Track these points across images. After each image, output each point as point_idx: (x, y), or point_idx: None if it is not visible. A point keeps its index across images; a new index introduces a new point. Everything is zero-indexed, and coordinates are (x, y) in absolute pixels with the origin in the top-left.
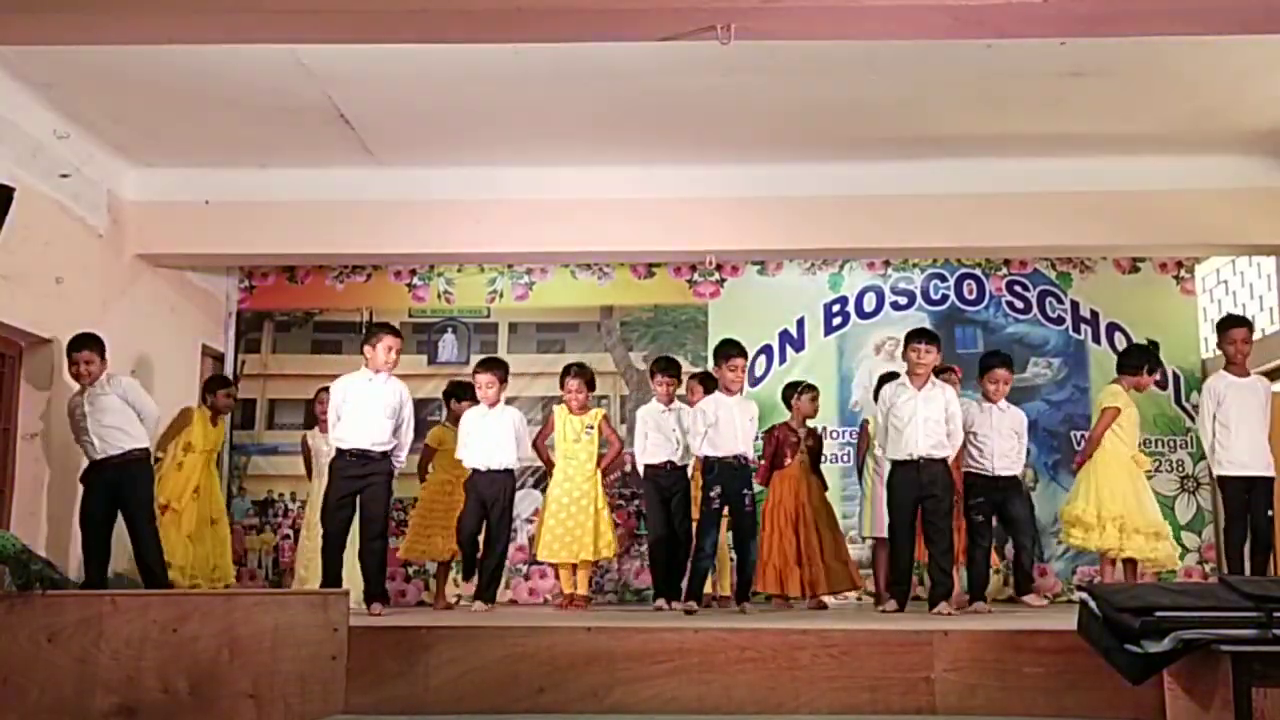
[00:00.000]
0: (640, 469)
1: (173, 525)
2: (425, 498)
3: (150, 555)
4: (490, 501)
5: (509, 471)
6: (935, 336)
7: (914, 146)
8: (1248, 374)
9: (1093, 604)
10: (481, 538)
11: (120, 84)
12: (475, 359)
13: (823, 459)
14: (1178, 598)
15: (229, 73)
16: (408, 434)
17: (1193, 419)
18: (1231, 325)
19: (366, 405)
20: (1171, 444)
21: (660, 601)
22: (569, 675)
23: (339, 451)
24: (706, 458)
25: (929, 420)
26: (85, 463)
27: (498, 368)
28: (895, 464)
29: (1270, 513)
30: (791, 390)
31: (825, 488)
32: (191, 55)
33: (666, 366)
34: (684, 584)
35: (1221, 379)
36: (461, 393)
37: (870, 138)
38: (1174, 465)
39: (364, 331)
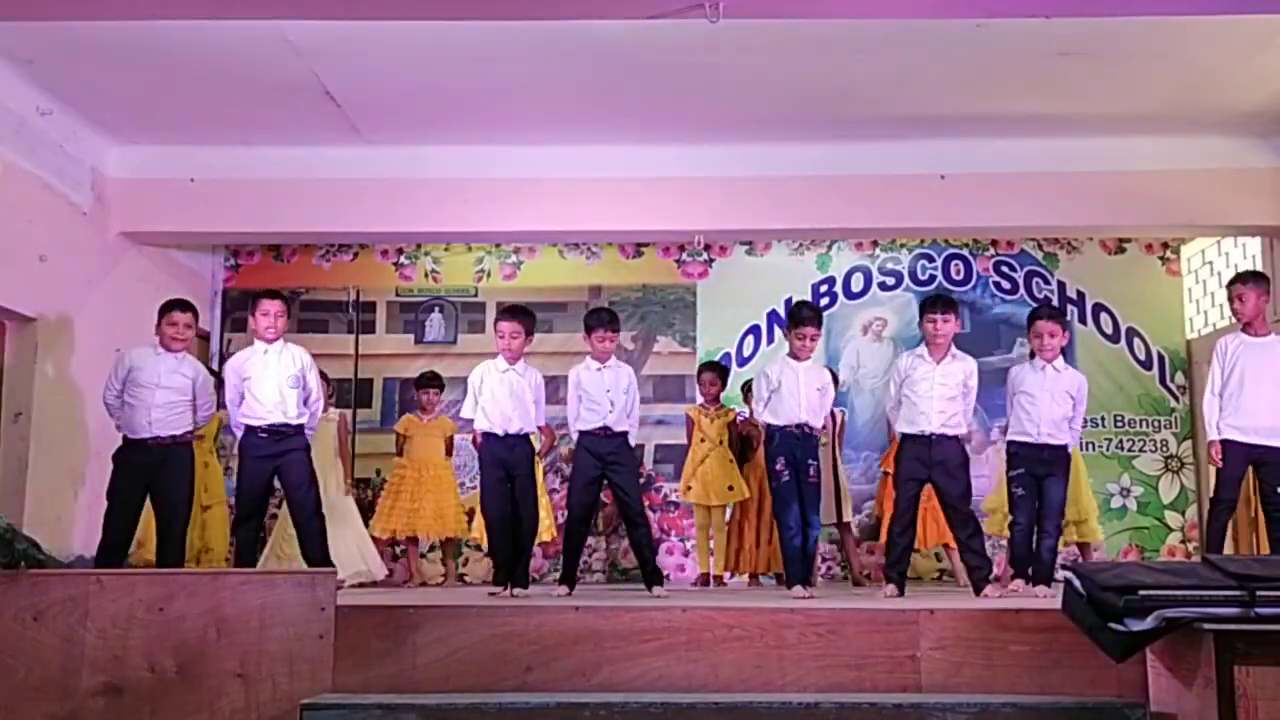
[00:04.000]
0: (573, 436)
1: (224, 521)
2: (393, 480)
3: (175, 549)
4: (514, 471)
5: (527, 438)
6: (953, 303)
7: (902, 126)
8: (1266, 333)
9: (1077, 583)
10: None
11: (104, 60)
12: (462, 339)
13: None
14: (1161, 576)
15: (214, 49)
16: (318, 403)
17: (1177, 399)
18: (1248, 280)
19: (268, 377)
20: (1156, 424)
21: (655, 588)
22: (556, 654)
23: (248, 429)
24: (768, 426)
25: (947, 396)
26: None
27: (524, 316)
28: (905, 438)
29: None
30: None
31: None
32: (176, 31)
33: (609, 320)
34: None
35: (1235, 338)
36: (429, 382)
37: (858, 117)
38: (1158, 445)
39: (350, 310)
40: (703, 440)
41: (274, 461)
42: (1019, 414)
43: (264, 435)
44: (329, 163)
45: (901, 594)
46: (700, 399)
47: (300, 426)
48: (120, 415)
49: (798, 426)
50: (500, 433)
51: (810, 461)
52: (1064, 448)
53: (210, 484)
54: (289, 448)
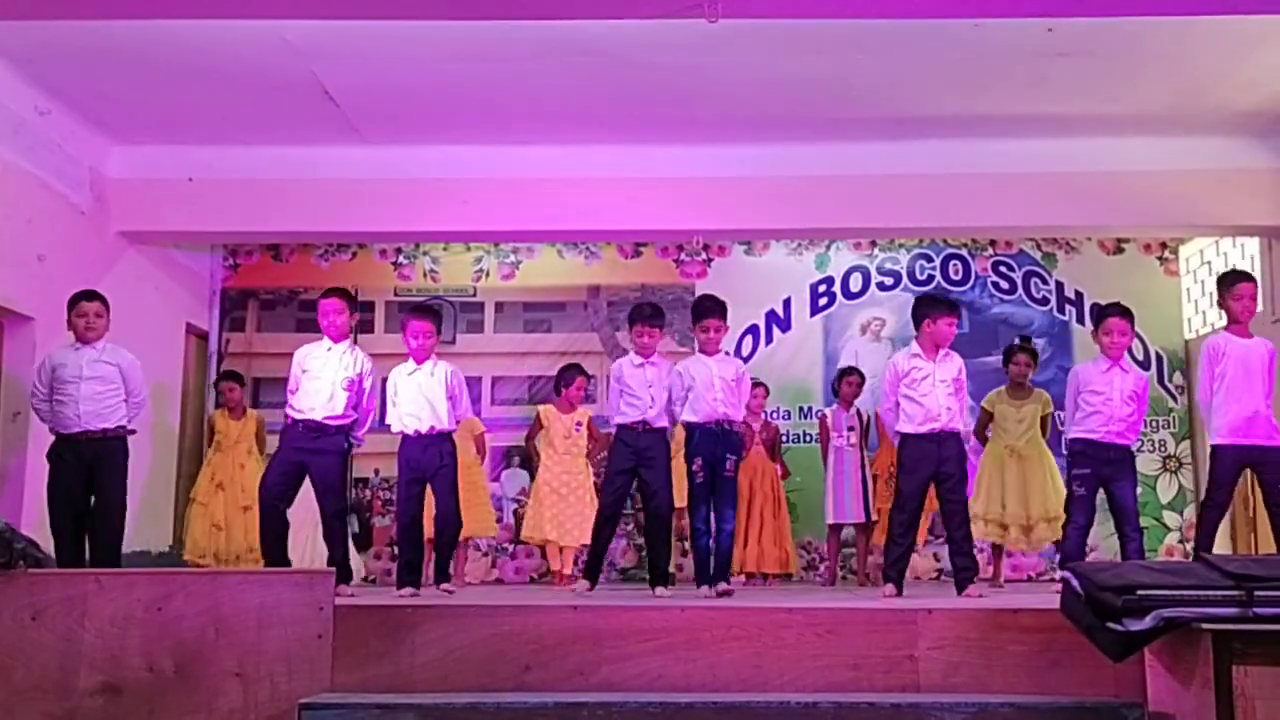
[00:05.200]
0: (613, 430)
1: (200, 517)
2: None
3: (110, 542)
4: (431, 471)
5: (446, 435)
6: (956, 306)
7: (900, 127)
8: (1251, 335)
9: (1075, 583)
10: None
11: (102, 60)
12: (461, 338)
13: (782, 447)
14: (1159, 576)
15: (213, 49)
16: (369, 409)
17: (1175, 399)
18: (1237, 280)
19: (322, 375)
20: (1154, 424)
21: (659, 589)
22: (555, 654)
23: (293, 421)
24: (688, 425)
25: (948, 393)
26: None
27: (432, 316)
28: (908, 437)
29: None
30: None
31: (784, 475)
32: (175, 31)
33: (651, 315)
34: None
35: (1223, 338)
36: None
37: (857, 118)
38: (1156, 445)
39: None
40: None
41: (307, 456)
42: (1084, 412)
43: (302, 429)
44: (328, 162)
45: (900, 594)
46: None
47: (342, 428)
48: (49, 417)
49: (716, 422)
50: (411, 432)
51: (729, 456)
52: (1129, 448)
53: (248, 484)
54: (325, 447)
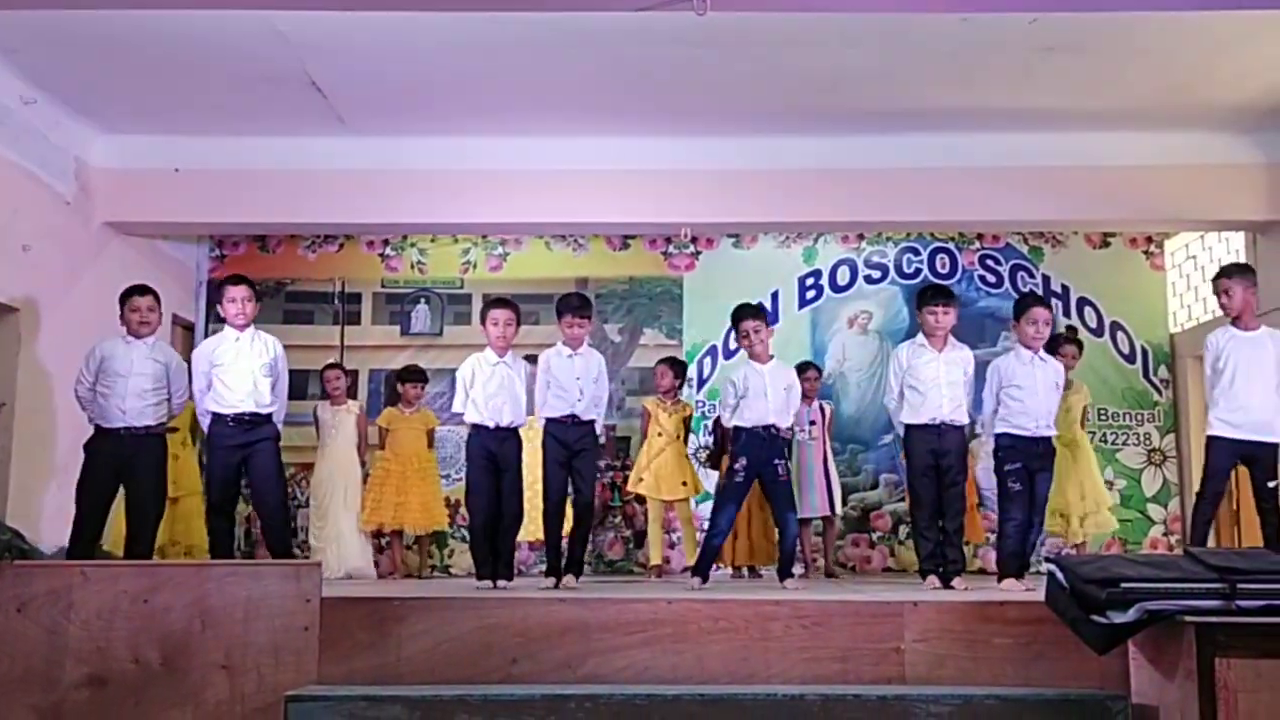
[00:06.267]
0: (540, 423)
1: (195, 513)
2: (377, 473)
3: (146, 541)
4: (504, 464)
5: (516, 431)
6: (953, 295)
7: (888, 120)
8: (1256, 327)
9: (1060, 575)
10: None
11: (88, 49)
12: (448, 330)
13: None
14: (1143, 569)
15: (200, 39)
16: (284, 393)
17: (1160, 393)
18: (1220, 275)
19: (240, 364)
20: (1139, 418)
21: (567, 577)
22: (542, 646)
23: (216, 417)
24: (736, 429)
25: (953, 384)
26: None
27: (512, 307)
28: (912, 429)
29: (1272, 484)
30: None
31: None
32: (161, 20)
33: (580, 305)
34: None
35: (1225, 333)
36: (412, 376)
37: (845, 111)
38: (1141, 439)
39: (336, 301)
40: (660, 434)
41: (243, 451)
42: (1010, 407)
43: (232, 424)
44: (315, 153)
45: (945, 585)
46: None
47: (270, 415)
48: (92, 407)
49: (765, 428)
50: (491, 425)
51: (777, 462)
52: (1051, 440)
53: (180, 476)
54: (258, 437)
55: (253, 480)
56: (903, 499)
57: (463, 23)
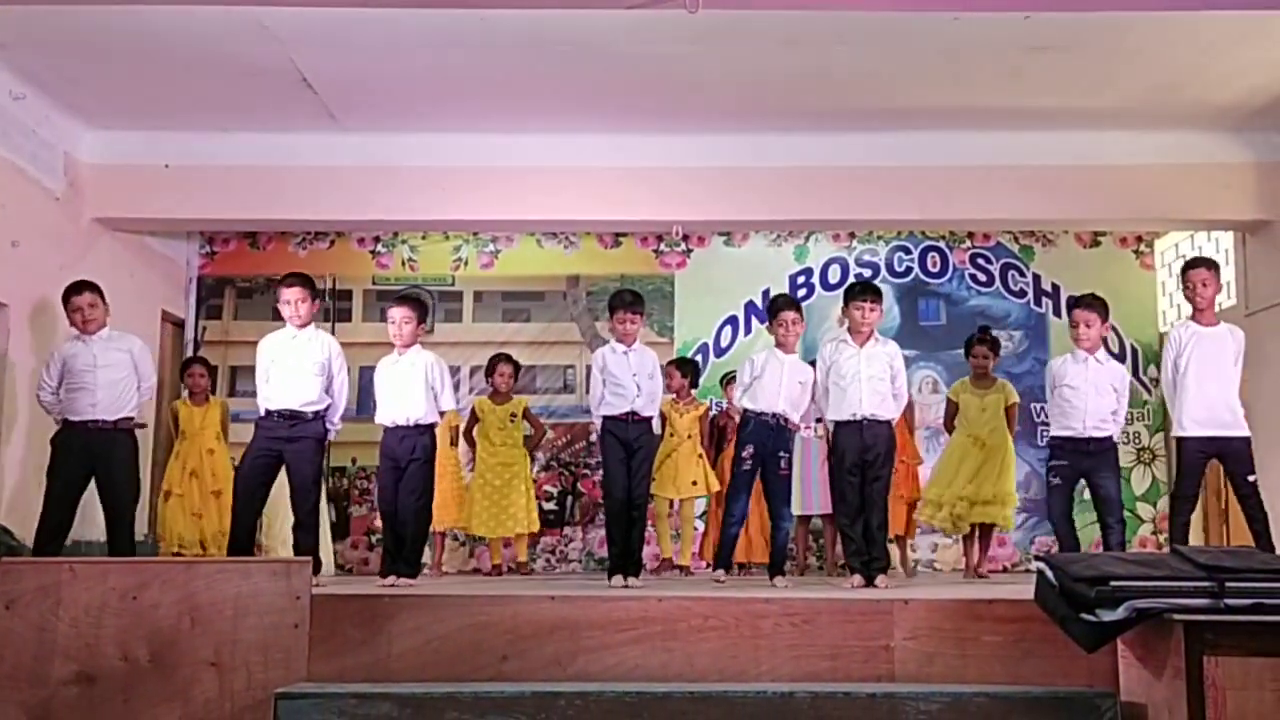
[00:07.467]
0: (596, 421)
1: (178, 509)
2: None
3: (124, 535)
4: (405, 461)
5: (428, 427)
6: (879, 292)
7: (879, 118)
8: (1215, 322)
9: (1049, 573)
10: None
11: (78, 45)
12: (439, 328)
13: None
14: (1132, 567)
15: (190, 35)
16: (341, 394)
17: (1149, 392)
18: (1187, 268)
19: (289, 362)
20: (1129, 416)
21: (618, 578)
22: (532, 644)
23: (266, 411)
24: (745, 411)
25: (873, 379)
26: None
27: (412, 303)
28: (837, 425)
29: (1252, 477)
30: (728, 379)
31: None
32: (152, 16)
33: (632, 301)
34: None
35: (1185, 327)
36: None
37: (836, 109)
38: (1130, 437)
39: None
40: (672, 434)
41: (282, 445)
42: (1061, 407)
43: (275, 420)
44: (305, 150)
45: (869, 584)
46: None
47: (318, 414)
48: (57, 408)
49: (773, 416)
50: (390, 424)
51: (781, 454)
52: (1109, 439)
53: (218, 469)
54: (301, 434)
55: (290, 478)
56: None
57: (454, 20)
